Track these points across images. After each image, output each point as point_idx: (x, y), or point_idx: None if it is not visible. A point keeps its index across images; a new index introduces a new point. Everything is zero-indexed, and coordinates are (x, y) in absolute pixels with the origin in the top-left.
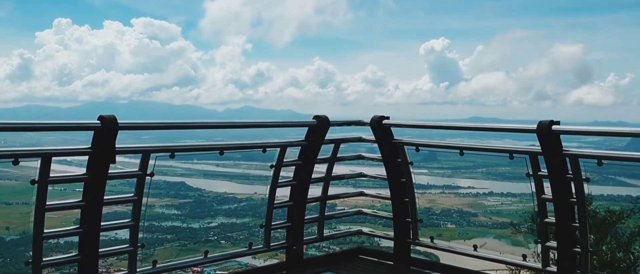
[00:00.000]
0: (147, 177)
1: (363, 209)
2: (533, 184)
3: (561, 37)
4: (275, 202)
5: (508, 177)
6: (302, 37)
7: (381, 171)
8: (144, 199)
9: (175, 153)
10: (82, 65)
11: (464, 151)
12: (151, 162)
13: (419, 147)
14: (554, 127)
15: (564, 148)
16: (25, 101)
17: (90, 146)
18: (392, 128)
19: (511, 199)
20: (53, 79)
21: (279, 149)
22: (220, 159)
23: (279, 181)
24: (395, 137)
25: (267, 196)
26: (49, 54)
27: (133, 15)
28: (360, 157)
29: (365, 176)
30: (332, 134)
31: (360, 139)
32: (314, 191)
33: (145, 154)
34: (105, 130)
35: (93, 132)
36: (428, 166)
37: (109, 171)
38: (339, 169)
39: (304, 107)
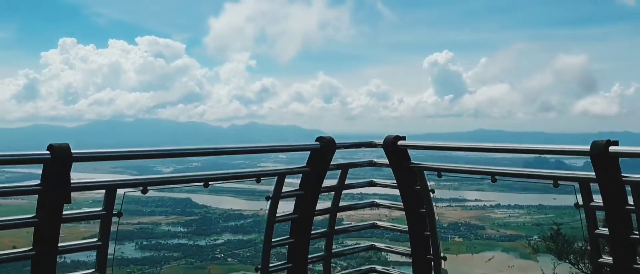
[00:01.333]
0: (113, 217)
1: (376, 244)
2: (583, 217)
3: (565, 47)
4: (273, 239)
5: (515, 189)
6: (306, 53)
7: (396, 194)
8: (111, 245)
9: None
10: (87, 84)
11: (497, 177)
12: (119, 197)
13: (442, 173)
14: (611, 148)
15: (623, 174)
16: (32, 121)
17: (39, 182)
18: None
19: (519, 211)
20: (59, 98)
21: (276, 177)
22: None
23: (277, 214)
24: (413, 161)
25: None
26: (54, 74)
27: (138, 33)
28: (371, 183)
29: (377, 205)
30: (338, 157)
31: (371, 163)
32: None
33: (109, 189)
34: (57, 162)
35: (42, 165)
36: (435, 179)
37: (64, 213)
38: (347, 199)
39: (309, 122)
